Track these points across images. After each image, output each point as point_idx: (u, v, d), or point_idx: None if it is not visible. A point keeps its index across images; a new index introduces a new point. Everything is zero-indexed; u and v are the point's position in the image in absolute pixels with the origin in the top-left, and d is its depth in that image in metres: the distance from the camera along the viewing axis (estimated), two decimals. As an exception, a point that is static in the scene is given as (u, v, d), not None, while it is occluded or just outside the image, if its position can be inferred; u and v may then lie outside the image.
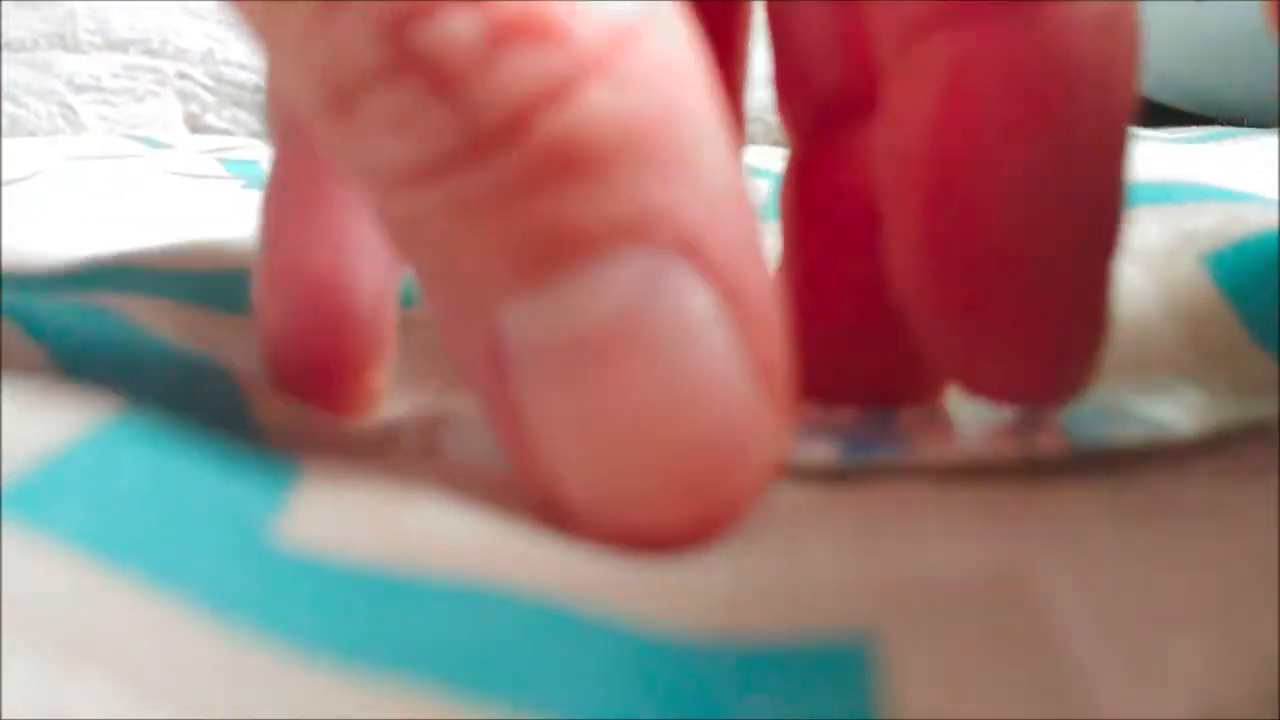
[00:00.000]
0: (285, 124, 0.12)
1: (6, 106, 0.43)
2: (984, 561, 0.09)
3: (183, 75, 0.44)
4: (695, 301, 0.09)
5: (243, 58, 0.45)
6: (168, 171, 0.25)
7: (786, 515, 0.10)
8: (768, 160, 0.25)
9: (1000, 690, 0.08)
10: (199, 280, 0.15)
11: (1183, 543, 0.09)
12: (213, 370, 0.12)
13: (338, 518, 0.10)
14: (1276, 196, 0.18)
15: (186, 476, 0.10)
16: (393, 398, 0.13)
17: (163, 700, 0.07)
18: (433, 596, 0.09)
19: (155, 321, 0.13)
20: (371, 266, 0.12)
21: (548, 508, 0.10)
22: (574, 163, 0.08)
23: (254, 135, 0.46)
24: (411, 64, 0.08)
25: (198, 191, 0.22)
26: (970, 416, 0.12)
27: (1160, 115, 0.38)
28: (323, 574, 0.09)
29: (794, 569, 0.09)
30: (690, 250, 0.09)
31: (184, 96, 0.45)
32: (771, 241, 0.18)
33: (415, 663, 0.08)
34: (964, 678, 0.08)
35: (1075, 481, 0.10)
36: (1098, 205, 0.11)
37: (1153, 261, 0.16)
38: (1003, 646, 0.08)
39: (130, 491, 0.09)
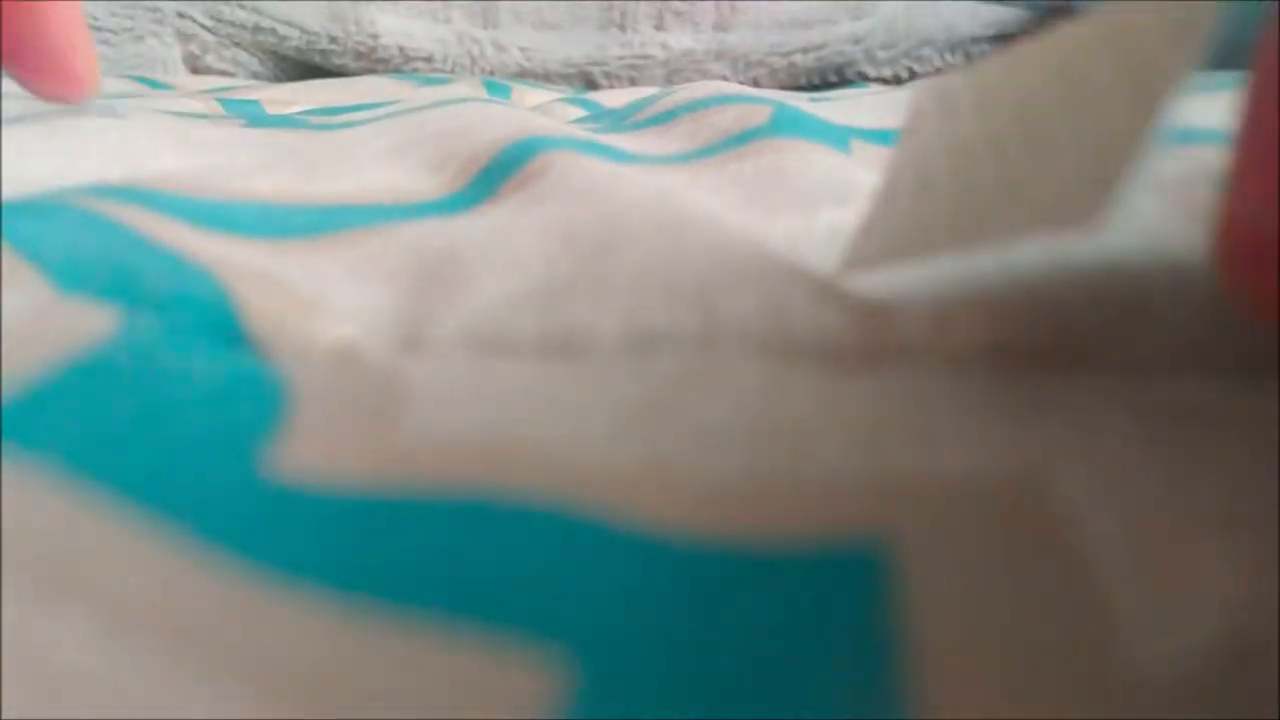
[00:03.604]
0: None
1: (5, 46, 0.42)
2: (1002, 464, 0.09)
3: (182, 15, 0.44)
4: None
5: (243, -2, 0.44)
6: (163, 111, 0.24)
7: (794, 407, 0.10)
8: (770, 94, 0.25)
9: (1018, 602, 0.08)
10: (205, 205, 0.15)
11: (1210, 450, 0.09)
12: (208, 284, 0.12)
13: (332, 437, 0.10)
14: None
15: (177, 402, 0.10)
16: None
17: (147, 637, 0.07)
18: (431, 517, 0.09)
19: (155, 232, 0.13)
20: None
21: None
22: None
23: (254, 76, 0.45)
24: None
25: (198, 130, 0.22)
26: None
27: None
28: (317, 503, 0.09)
29: (802, 465, 0.09)
30: None
31: (184, 37, 0.44)
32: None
33: (412, 593, 0.08)
34: (981, 587, 0.08)
35: (1095, 379, 0.10)
36: None
37: (1170, 190, 0.15)
38: (1022, 556, 0.08)
39: (119, 418, 0.09)
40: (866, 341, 0.11)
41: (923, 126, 0.13)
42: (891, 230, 0.12)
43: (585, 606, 0.08)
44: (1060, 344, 0.10)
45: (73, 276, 0.12)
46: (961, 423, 0.10)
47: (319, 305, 0.12)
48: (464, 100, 0.24)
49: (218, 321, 0.11)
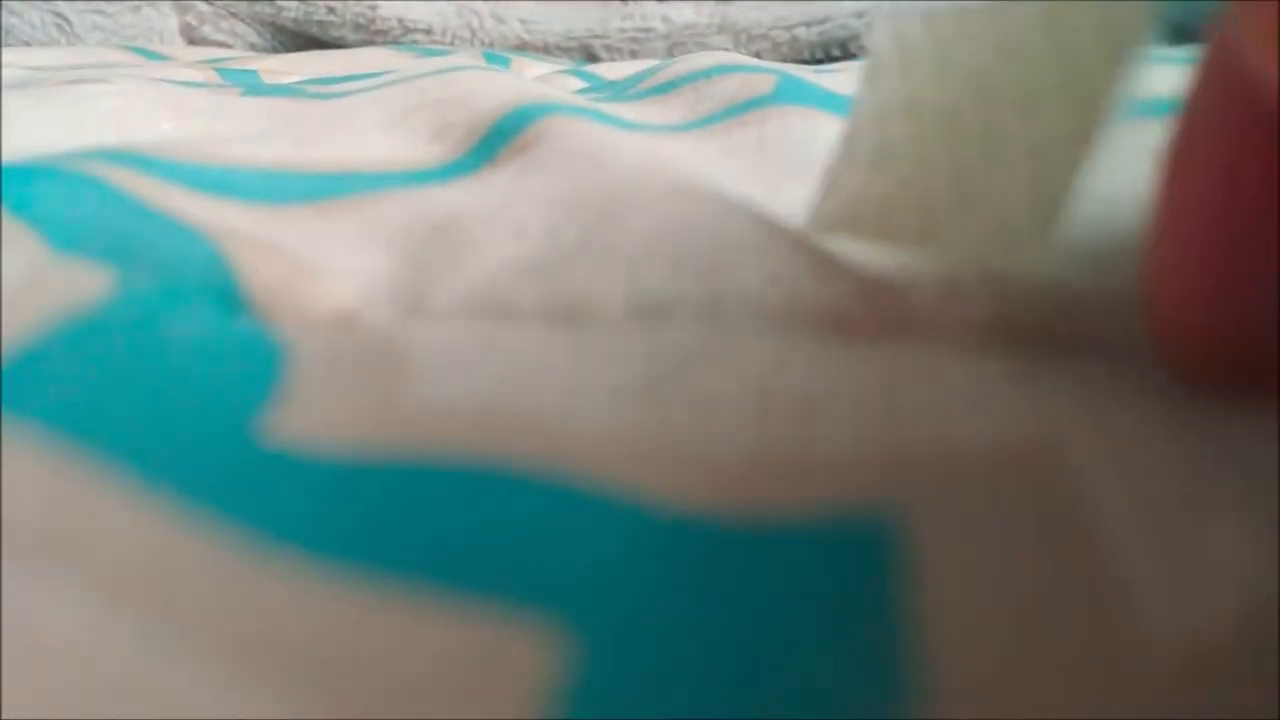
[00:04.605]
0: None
1: (1, 15, 0.42)
2: (1015, 436, 0.09)
3: (179, -15, 0.43)
4: None
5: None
6: (160, 80, 0.24)
7: (801, 379, 0.10)
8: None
9: (1031, 577, 0.08)
10: (203, 170, 0.15)
11: (1226, 426, 0.09)
12: (205, 248, 0.12)
13: (330, 402, 0.10)
14: None
15: (172, 365, 0.10)
16: None
17: (137, 606, 0.07)
18: (430, 485, 0.08)
19: (149, 194, 0.13)
20: None
21: None
22: None
23: (252, 48, 0.45)
24: None
25: (197, 99, 0.21)
26: None
27: (1182, 37, 0.37)
28: (313, 469, 0.09)
29: (809, 437, 0.09)
30: None
31: (180, 7, 0.44)
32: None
33: (409, 561, 0.08)
34: (993, 560, 0.08)
35: (1110, 355, 0.10)
36: None
37: None
38: (1035, 530, 0.08)
39: (113, 381, 0.09)
40: (876, 315, 0.11)
41: (882, 78, 0.12)
42: (854, 196, 0.12)
43: (588, 578, 0.08)
44: (1069, 328, 0.10)
45: (68, 238, 0.11)
46: (973, 394, 0.09)
47: (318, 270, 0.12)
48: (462, 68, 0.23)
49: (215, 285, 0.11)
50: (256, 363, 0.10)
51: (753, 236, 0.12)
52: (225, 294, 0.11)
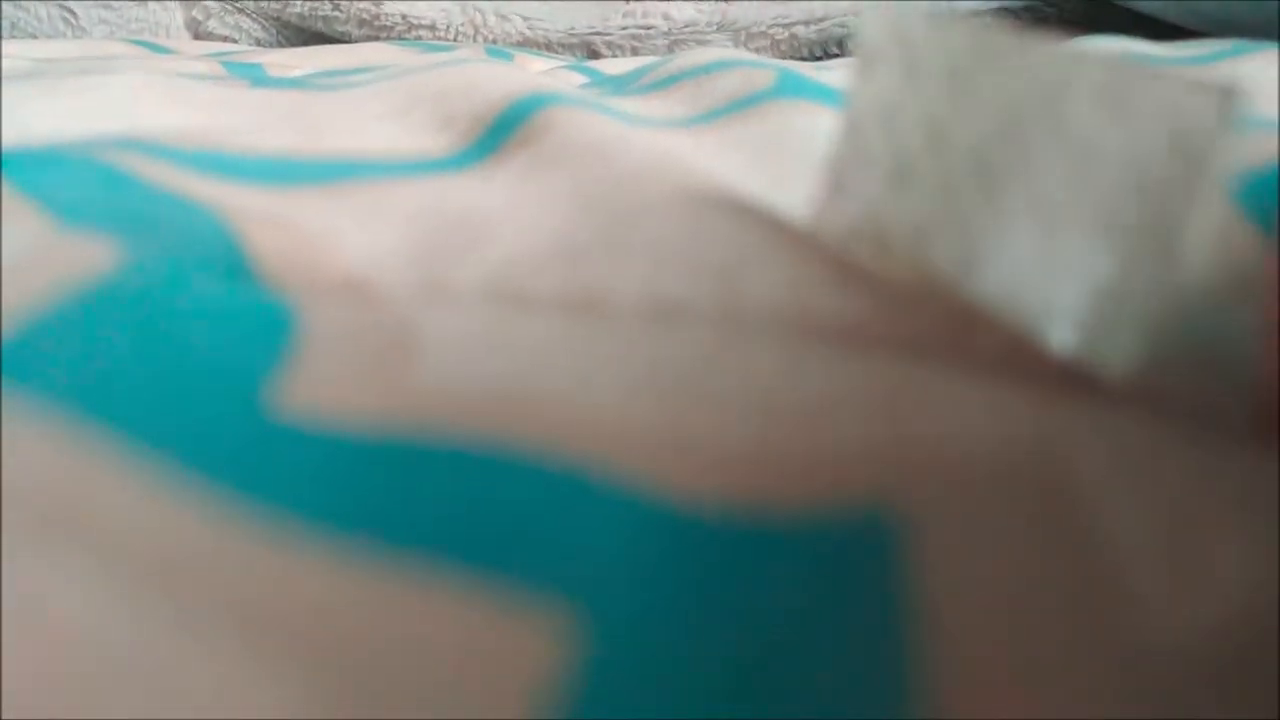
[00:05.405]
0: None
1: (7, 9, 0.42)
2: (1021, 440, 0.09)
3: (184, -21, 0.44)
4: None
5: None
6: (168, 72, 0.24)
7: (810, 381, 0.10)
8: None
9: (1033, 578, 0.07)
10: (210, 156, 0.15)
11: (1228, 436, 0.09)
12: (213, 221, 0.12)
13: (340, 374, 0.09)
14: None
15: (180, 335, 0.10)
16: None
17: (144, 581, 0.07)
18: (440, 464, 0.08)
19: (155, 175, 0.13)
20: None
21: None
22: None
23: (257, 43, 0.45)
24: None
25: (204, 90, 0.22)
26: None
27: (1166, 33, 0.37)
28: (322, 442, 0.09)
29: (815, 434, 0.09)
30: None
31: (187, 2, 0.44)
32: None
33: (415, 538, 0.08)
34: (996, 563, 0.08)
35: (1128, 396, 0.10)
36: None
37: None
38: (1038, 531, 0.08)
39: (120, 352, 0.09)
40: (887, 332, 0.11)
41: (879, 72, 0.12)
42: (873, 211, 0.12)
43: (592, 565, 0.08)
44: (1087, 369, 0.10)
45: (75, 213, 0.11)
46: (980, 398, 0.09)
47: (330, 242, 0.12)
48: (466, 61, 0.23)
49: (224, 255, 0.11)
50: (266, 330, 0.10)
51: (768, 241, 0.12)
52: (234, 264, 0.11)
